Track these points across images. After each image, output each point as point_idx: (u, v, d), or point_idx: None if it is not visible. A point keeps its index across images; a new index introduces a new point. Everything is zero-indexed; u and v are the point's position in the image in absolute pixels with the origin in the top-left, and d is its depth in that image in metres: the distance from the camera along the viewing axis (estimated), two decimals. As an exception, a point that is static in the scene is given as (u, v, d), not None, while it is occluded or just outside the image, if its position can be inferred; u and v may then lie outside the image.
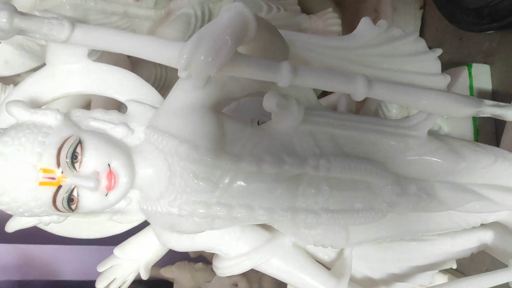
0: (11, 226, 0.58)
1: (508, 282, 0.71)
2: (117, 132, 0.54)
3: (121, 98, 0.58)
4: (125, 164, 0.51)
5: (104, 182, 0.50)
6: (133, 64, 0.97)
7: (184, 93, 0.54)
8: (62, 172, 0.49)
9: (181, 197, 0.52)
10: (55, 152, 0.49)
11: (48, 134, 0.50)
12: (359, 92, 0.53)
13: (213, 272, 0.96)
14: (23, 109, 0.52)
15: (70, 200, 0.50)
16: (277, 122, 0.56)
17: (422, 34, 1.13)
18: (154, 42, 0.48)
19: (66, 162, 0.49)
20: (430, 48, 1.11)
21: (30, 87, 0.57)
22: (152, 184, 0.54)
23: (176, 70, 0.48)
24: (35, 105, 0.56)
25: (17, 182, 0.48)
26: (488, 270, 0.91)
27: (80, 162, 0.49)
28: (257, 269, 0.63)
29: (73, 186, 0.49)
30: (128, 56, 0.93)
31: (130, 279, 0.67)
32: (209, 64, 0.46)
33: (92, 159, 0.50)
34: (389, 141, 0.58)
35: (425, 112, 0.58)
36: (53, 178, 0.49)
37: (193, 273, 1.36)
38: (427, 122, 0.60)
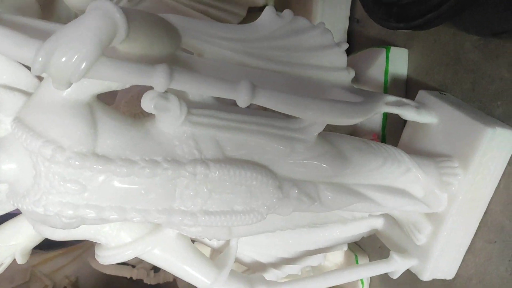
0: None
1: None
2: None
3: (-11, 82, 0.53)
4: None
5: None
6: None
7: None
8: None
9: (46, 197, 0.50)
10: None
11: None
12: (242, 100, 0.51)
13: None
14: None
15: None
16: (159, 121, 0.54)
17: (353, 5, 1.10)
18: (8, 37, 0.43)
19: None
20: (358, 20, 1.10)
21: None
22: (17, 180, 0.51)
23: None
24: None
25: None
26: (381, 247, 0.96)
27: None
28: (140, 257, 0.63)
29: None
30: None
31: (7, 262, 0.66)
32: (70, 68, 0.42)
33: None
34: (275, 145, 0.58)
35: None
36: None
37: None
38: (317, 126, 0.59)
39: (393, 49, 0.91)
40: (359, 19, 1.08)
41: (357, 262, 0.98)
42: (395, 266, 0.74)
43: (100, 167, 0.49)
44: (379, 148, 0.67)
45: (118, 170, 0.50)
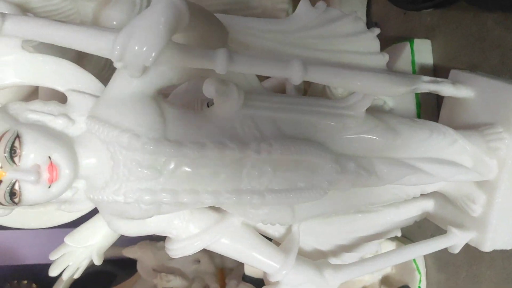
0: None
1: (447, 248, 0.76)
2: (57, 123, 0.54)
3: (60, 88, 0.57)
4: (66, 156, 0.52)
5: (45, 175, 0.50)
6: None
7: (124, 82, 0.54)
8: (1, 167, 0.49)
9: (125, 185, 0.53)
10: None
11: None
12: (296, 76, 0.54)
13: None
14: None
15: (12, 194, 0.50)
16: (219, 107, 0.57)
17: (369, 8, 1.15)
18: (85, 32, 0.48)
19: (5, 156, 0.49)
20: (376, 23, 1.15)
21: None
22: (96, 174, 0.55)
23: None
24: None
25: None
26: (432, 235, 0.96)
27: (20, 156, 0.49)
28: (208, 248, 0.65)
29: (14, 180, 0.49)
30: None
31: (84, 265, 0.68)
32: (143, 55, 0.46)
33: (32, 153, 0.50)
34: (328, 122, 0.61)
35: (361, 92, 0.61)
36: None
37: (155, 252, 1.37)
38: (364, 102, 0.62)
39: (416, 41, 0.95)
40: (377, 22, 1.13)
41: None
42: (455, 239, 0.74)
43: (173, 150, 0.52)
44: (424, 122, 0.70)
45: (190, 152, 0.53)
